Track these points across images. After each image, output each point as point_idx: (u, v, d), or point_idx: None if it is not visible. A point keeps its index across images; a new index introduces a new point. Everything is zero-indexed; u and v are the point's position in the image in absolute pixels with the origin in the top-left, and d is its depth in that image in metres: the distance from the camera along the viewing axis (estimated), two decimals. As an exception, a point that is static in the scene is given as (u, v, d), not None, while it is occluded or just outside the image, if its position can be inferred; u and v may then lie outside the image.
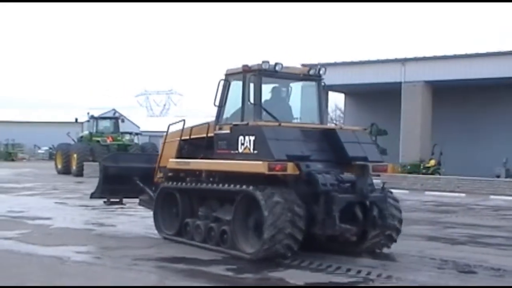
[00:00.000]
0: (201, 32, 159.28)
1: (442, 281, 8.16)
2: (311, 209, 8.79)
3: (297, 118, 10.31)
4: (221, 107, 10.04)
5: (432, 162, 29.51)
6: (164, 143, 11.43)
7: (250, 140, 9.04)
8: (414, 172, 28.40)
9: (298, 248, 8.92)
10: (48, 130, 58.99)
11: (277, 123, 9.28)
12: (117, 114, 39.75)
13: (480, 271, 8.81)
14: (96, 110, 47.79)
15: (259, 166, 8.71)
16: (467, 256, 9.96)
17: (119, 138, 33.12)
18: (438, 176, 27.82)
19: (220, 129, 9.93)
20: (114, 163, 12.37)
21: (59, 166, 32.92)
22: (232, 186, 9.28)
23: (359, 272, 8.43)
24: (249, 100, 9.61)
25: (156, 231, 10.98)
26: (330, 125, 10.09)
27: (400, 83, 32.01)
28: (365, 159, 9.32)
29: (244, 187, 9.04)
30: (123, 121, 36.40)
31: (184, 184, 10.45)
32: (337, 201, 8.55)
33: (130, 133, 36.29)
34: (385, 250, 10.12)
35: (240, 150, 9.21)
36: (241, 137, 9.20)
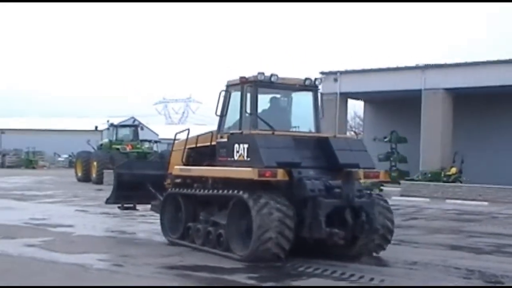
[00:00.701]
0: (220, 40, 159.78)
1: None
2: (301, 214, 9.19)
3: (295, 127, 10.74)
4: (222, 116, 10.56)
5: (453, 170, 29.15)
6: (172, 151, 11.98)
7: (244, 148, 9.55)
8: (435, 180, 28.08)
9: (291, 252, 9.21)
10: (68, 138, 59.55)
11: (270, 132, 9.77)
12: (136, 122, 39.92)
13: (507, 281, 8.66)
14: (116, 118, 48.09)
15: (249, 173, 9.20)
16: (493, 266, 9.79)
17: (138, 146, 33.23)
18: (460, 184, 27.49)
19: (221, 137, 10.43)
20: (128, 170, 12.91)
21: (79, 174, 33.11)
22: (225, 191, 9.77)
23: (382, 281, 8.34)
24: (245, 110, 10.09)
25: (188, 242, 10.89)
26: (324, 134, 10.62)
27: (420, 90, 31.69)
28: (356, 165, 9.81)
29: (236, 192, 9.47)
30: (142, 129, 36.55)
31: (186, 190, 10.94)
32: (323, 206, 8.98)
33: (149, 141, 36.41)
34: (407, 259, 10.06)
35: (235, 158, 9.70)
36: (236, 145, 9.71)
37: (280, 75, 10.25)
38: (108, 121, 36.58)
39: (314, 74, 36.02)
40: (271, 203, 9.06)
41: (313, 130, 10.71)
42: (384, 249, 10.10)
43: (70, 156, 55.04)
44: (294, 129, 10.63)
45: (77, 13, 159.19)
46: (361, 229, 9.25)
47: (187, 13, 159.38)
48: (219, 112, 10.55)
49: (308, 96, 10.78)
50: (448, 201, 23.95)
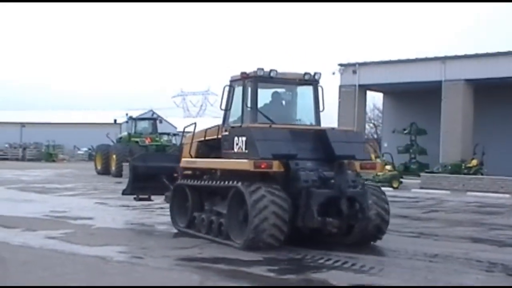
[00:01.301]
0: (238, 32, 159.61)
1: (491, 285, 7.92)
2: (297, 204, 9.53)
3: (296, 120, 11.13)
4: (227, 110, 10.98)
5: (474, 162, 28.83)
6: (181, 144, 12.55)
7: (242, 141, 9.95)
8: (455, 172, 27.80)
9: (285, 241, 9.52)
10: (88, 131, 60.00)
11: (268, 125, 10.10)
12: (155, 115, 40.04)
13: (530, 274, 8.52)
14: (134, 111, 48.31)
15: (246, 164, 9.61)
16: (515, 258, 9.64)
17: (157, 138, 33.31)
18: (481, 176, 27.18)
19: (225, 131, 10.78)
20: (143, 162, 13.43)
21: (99, 167, 33.33)
22: (224, 182, 10.22)
23: (402, 274, 8.25)
24: (246, 104, 10.49)
25: (194, 231, 11.25)
26: (323, 126, 10.93)
27: (440, 81, 31.40)
28: (352, 157, 10.13)
29: (234, 183, 9.87)
30: (160, 122, 36.64)
31: (192, 181, 11.39)
32: (315, 196, 9.37)
33: (168, 134, 36.49)
34: (428, 251, 9.99)
35: (235, 150, 10.10)
36: (236, 138, 10.11)
37: (279, 70, 10.57)
38: (127, 114, 36.73)
39: (333, 67, 36.04)
40: (267, 193, 9.37)
41: (313, 123, 11.01)
42: (379, 238, 10.33)
43: (89, 149, 55.44)
44: (295, 122, 10.97)
45: (97, 5, 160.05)
46: (355, 218, 9.63)
47: (207, 6, 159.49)
48: (223, 107, 10.98)
49: (308, 90, 11.08)
50: (469, 193, 23.69)
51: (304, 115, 11.14)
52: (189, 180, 11.47)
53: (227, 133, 10.59)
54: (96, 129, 54.51)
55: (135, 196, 13.44)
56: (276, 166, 9.62)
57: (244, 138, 9.91)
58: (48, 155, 54.51)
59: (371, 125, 54.10)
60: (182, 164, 11.82)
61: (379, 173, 27.56)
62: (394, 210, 17.30)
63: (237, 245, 9.73)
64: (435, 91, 31.55)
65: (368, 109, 43.92)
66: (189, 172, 11.69)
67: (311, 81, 10.95)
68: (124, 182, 24.64)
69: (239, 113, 10.75)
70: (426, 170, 29.88)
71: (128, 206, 15.95)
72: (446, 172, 27.94)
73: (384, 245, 10.52)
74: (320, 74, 10.96)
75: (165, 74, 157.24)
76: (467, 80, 31.10)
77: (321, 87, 11.02)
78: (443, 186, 25.74)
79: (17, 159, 53.93)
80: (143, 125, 35.01)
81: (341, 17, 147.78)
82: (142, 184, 13.01)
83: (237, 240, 9.82)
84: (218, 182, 10.60)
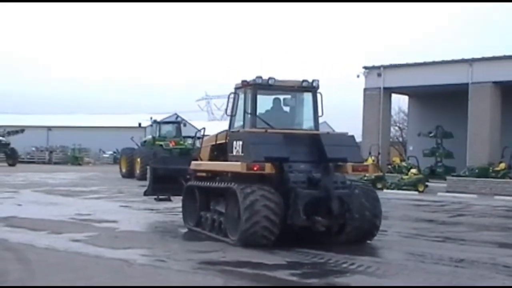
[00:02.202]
0: (263, 35, 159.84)
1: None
2: (287, 203, 10.08)
3: (296, 125, 11.67)
4: (232, 116, 11.65)
5: (502, 166, 28.33)
6: (194, 147, 13.22)
7: (239, 145, 10.63)
8: (483, 176, 27.37)
9: (277, 239, 10.01)
10: (113, 135, 60.40)
11: (263, 130, 10.73)
12: (179, 119, 40.24)
13: (559, 280, 8.33)
14: (159, 115, 48.58)
15: (238, 167, 10.32)
16: (544, 264, 9.44)
17: (181, 142, 33.41)
18: (509, 180, 26.71)
19: (228, 136, 11.47)
20: (163, 165, 14.42)
21: (124, 170, 33.56)
22: (222, 184, 10.98)
23: (427, 279, 8.13)
24: (246, 110, 11.10)
25: (201, 229, 11.83)
26: (318, 131, 11.35)
27: (467, 84, 30.98)
28: (344, 160, 10.71)
29: (230, 184, 10.54)
30: (185, 125, 36.79)
31: (199, 182, 12.13)
32: (302, 196, 9.91)
33: (192, 137, 36.57)
34: (453, 256, 9.85)
35: (234, 153, 10.78)
36: (234, 142, 10.80)
37: (278, 78, 11.16)
38: (151, 118, 36.93)
39: (357, 69, 35.74)
40: (257, 193, 9.96)
41: (312, 127, 11.52)
42: (371, 238, 10.78)
43: (114, 152, 55.87)
44: (294, 127, 11.51)
45: (118, 9, 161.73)
46: (344, 217, 10.12)
47: (229, 7, 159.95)
48: (229, 112, 11.66)
49: (307, 96, 11.59)
50: (496, 197, 23.34)
51: (303, 120, 11.71)
52: (197, 182, 12.19)
53: (229, 137, 11.29)
54: (121, 133, 54.85)
55: (155, 196, 14.21)
56: (268, 168, 10.20)
57: (240, 142, 10.60)
58: (74, 158, 55.07)
59: (396, 128, 53.60)
60: (191, 167, 12.52)
61: (404, 177, 27.37)
62: (419, 214, 17.31)
63: (232, 241, 10.34)
64: (461, 93, 31.16)
65: (393, 112, 43.56)
66: (203, 174, 12.28)
67: (310, 88, 11.44)
68: (148, 185, 24.90)
69: (242, 119, 11.41)
70: (453, 174, 29.48)
71: (152, 209, 16.03)
72: (473, 176, 27.53)
73: (410, 250, 10.42)
74: (318, 81, 11.40)
75: (189, 77, 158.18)
76: (495, 82, 30.65)
77: (320, 93, 11.46)
78: (470, 190, 25.39)
79: (43, 162, 54.65)
80: (167, 128, 35.16)
81: (366, 19, 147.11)
82: (162, 185, 13.73)
83: (232, 237, 10.43)
84: (218, 183, 11.26)
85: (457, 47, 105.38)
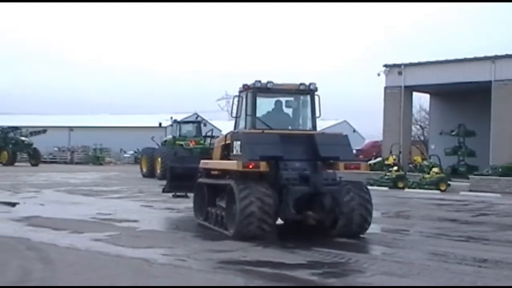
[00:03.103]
0: (284, 34, 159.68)
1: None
2: (281, 199, 10.72)
3: (296, 125, 12.31)
4: (237, 118, 12.27)
5: (526, 164, 27.97)
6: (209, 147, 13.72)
7: (238, 144, 11.32)
8: (506, 175, 27.02)
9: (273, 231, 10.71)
10: (134, 135, 60.77)
11: (260, 131, 11.34)
12: (199, 118, 40.33)
13: None
14: (179, 114, 48.77)
15: (235, 165, 11.07)
16: None
17: (201, 141, 33.47)
18: (534, 178, 26.32)
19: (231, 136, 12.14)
20: (180, 164, 15.25)
21: (144, 170, 33.72)
22: (222, 181, 11.82)
23: (450, 279, 8.03)
24: (246, 112, 11.78)
25: (208, 223, 12.45)
26: (313, 131, 11.97)
27: (490, 81, 30.59)
28: (336, 158, 11.33)
29: (228, 181, 11.27)
30: (205, 125, 36.84)
31: (206, 179, 12.91)
32: (291, 192, 10.55)
33: (213, 137, 36.65)
34: (477, 256, 9.74)
35: (234, 152, 11.47)
36: (234, 142, 11.50)
37: (276, 82, 11.78)
38: (171, 117, 37.05)
39: (378, 68, 35.44)
40: (252, 187, 10.61)
41: (311, 128, 12.08)
42: (362, 232, 11.27)
43: (135, 152, 56.19)
44: (294, 128, 12.21)
45: (138, 10, 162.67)
46: (331, 212, 10.72)
47: (249, 7, 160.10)
48: (234, 114, 12.26)
49: (306, 98, 12.19)
50: (521, 196, 22.98)
51: (301, 121, 12.34)
52: (205, 179, 12.98)
53: (231, 138, 11.96)
54: (141, 133, 55.18)
55: (173, 193, 15.01)
56: (263, 167, 10.85)
57: (239, 142, 11.30)
58: (96, 158, 55.51)
59: (418, 127, 53.02)
60: (200, 165, 13.36)
61: (426, 176, 27.11)
62: (441, 214, 17.12)
63: (230, 234, 10.99)
64: (484, 91, 30.76)
65: (414, 110, 43.15)
66: (215, 172, 12.83)
67: (307, 90, 11.99)
68: (169, 185, 24.95)
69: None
70: (475, 173, 29.15)
71: (172, 209, 16.07)
72: (496, 175, 27.18)
73: (432, 249, 10.30)
74: (315, 84, 11.94)
75: (209, 77, 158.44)
76: (520, 79, 30.15)
77: (318, 96, 12.02)
78: (493, 189, 25.08)
79: (65, 162, 55.20)
80: (187, 128, 35.24)
81: (387, 17, 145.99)
82: (179, 183, 14.44)
83: (230, 230, 11.06)
84: (221, 180, 12.06)
85: (479, 44, 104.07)
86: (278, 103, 12.33)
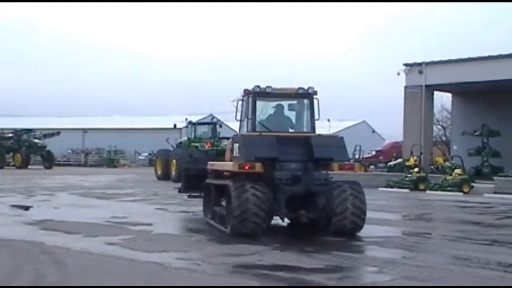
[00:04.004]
0: (299, 34, 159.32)
1: None
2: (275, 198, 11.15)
3: (296, 128, 12.65)
4: (241, 121, 12.65)
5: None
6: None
7: (237, 146, 11.87)
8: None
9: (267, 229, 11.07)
10: (148, 137, 60.90)
11: (258, 133, 11.86)
12: (214, 120, 40.19)
13: None
14: (194, 116, 48.72)
15: (231, 166, 11.71)
16: None
17: (217, 143, 33.24)
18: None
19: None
20: (194, 165, 15.56)
21: (159, 172, 33.61)
22: (221, 181, 12.40)
23: (473, 284, 7.80)
24: (247, 116, 12.22)
25: (214, 222, 12.79)
26: (310, 133, 12.29)
27: (515, 80, 29.84)
28: (331, 159, 11.73)
29: (226, 181, 11.79)
30: (220, 126, 36.56)
31: (213, 180, 13.36)
32: (283, 192, 11.03)
33: (228, 138, 36.45)
34: (501, 260, 9.48)
35: (234, 154, 11.98)
36: (234, 144, 12.07)
37: (275, 86, 12.18)
38: (186, 119, 36.95)
39: (398, 66, 34.82)
40: (247, 186, 11.01)
41: (310, 130, 12.41)
42: (356, 231, 11.54)
43: (150, 154, 56.15)
44: (293, 130, 12.59)
45: (154, 10, 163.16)
46: (323, 211, 11.18)
47: (262, 7, 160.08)
48: (238, 118, 12.64)
49: (305, 102, 12.56)
50: (547, 197, 22.47)
51: (300, 123, 12.69)
52: (212, 180, 13.44)
53: (232, 140, 12.51)
54: (156, 134, 55.18)
55: (188, 194, 15.26)
56: (258, 167, 11.34)
57: (237, 144, 11.83)
58: (110, 160, 55.63)
59: (439, 127, 52.41)
60: (208, 166, 13.95)
61: (448, 177, 26.51)
62: (464, 216, 16.77)
63: (227, 230, 11.46)
64: (509, 90, 30.06)
65: (435, 110, 42.61)
66: (227, 173, 12.91)
67: (306, 94, 12.34)
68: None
69: None
70: (500, 174, 28.46)
71: (187, 212, 15.94)
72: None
73: (455, 253, 10.06)
74: (313, 88, 12.29)
75: (225, 78, 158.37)
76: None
77: (317, 99, 12.35)
78: (518, 190, 24.50)
79: (79, 165, 55.35)
80: (202, 129, 35.08)
81: (407, 16, 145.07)
82: (194, 184, 14.67)
83: (228, 226, 11.49)
84: (222, 181, 12.47)
85: (502, 42, 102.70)
86: (279, 107, 12.76)
